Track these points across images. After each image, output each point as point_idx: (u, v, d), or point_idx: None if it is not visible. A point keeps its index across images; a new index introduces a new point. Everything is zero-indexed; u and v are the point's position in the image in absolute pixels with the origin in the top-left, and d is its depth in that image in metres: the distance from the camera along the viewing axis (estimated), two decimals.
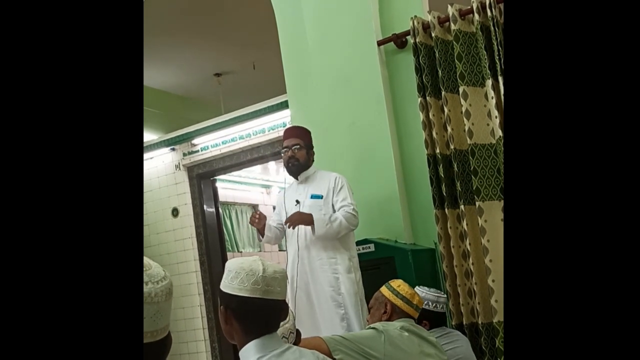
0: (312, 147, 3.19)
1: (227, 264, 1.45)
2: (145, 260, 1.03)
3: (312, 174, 3.17)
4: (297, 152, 3.12)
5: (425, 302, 2.49)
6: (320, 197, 3.05)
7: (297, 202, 3.11)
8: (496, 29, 3.15)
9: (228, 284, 1.41)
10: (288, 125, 4.29)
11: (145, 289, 0.98)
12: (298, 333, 1.83)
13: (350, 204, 3.00)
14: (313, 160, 3.20)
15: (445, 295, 2.64)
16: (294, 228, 3.02)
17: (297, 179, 3.18)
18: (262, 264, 1.41)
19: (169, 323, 1.05)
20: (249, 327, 1.40)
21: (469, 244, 3.20)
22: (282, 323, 1.75)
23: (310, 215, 2.97)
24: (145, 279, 0.99)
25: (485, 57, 3.19)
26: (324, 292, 2.96)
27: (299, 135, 3.17)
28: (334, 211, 3.03)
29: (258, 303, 1.39)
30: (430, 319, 2.49)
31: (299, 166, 3.13)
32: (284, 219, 3.13)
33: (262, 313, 1.40)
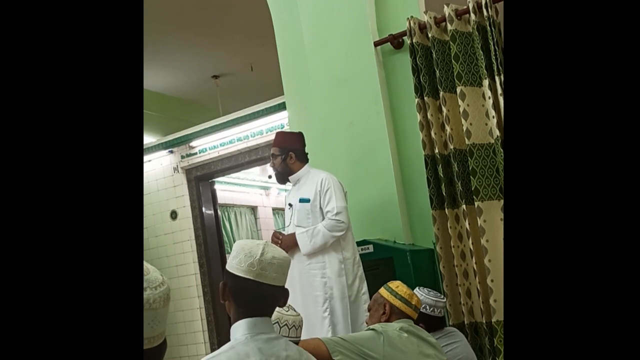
0: (290, 150, 3.13)
1: (235, 244, 1.49)
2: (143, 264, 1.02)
3: (304, 175, 3.14)
4: (274, 161, 3.16)
5: (423, 306, 2.49)
6: (308, 200, 3.03)
7: (290, 205, 3.12)
8: (492, 28, 3.15)
9: (229, 262, 1.46)
10: (285, 126, 4.31)
11: (144, 295, 0.97)
12: None
13: (334, 209, 2.95)
14: (301, 162, 3.16)
15: (444, 299, 2.62)
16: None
17: (285, 184, 3.23)
18: (263, 248, 1.44)
19: (165, 329, 1.04)
20: (241, 306, 1.44)
21: (472, 243, 3.19)
22: (294, 314, 1.82)
23: (294, 237, 3.00)
24: (144, 284, 0.98)
25: (482, 56, 3.19)
26: (311, 297, 2.94)
27: (275, 143, 3.20)
28: (323, 215, 3.01)
29: (250, 285, 1.42)
30: (428, 322, 2.46)
31: (278, 175, 3.18)
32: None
33: (253, 295, 1.43)
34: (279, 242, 3.06)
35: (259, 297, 1.44)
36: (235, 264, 1.44)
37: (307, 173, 3.14)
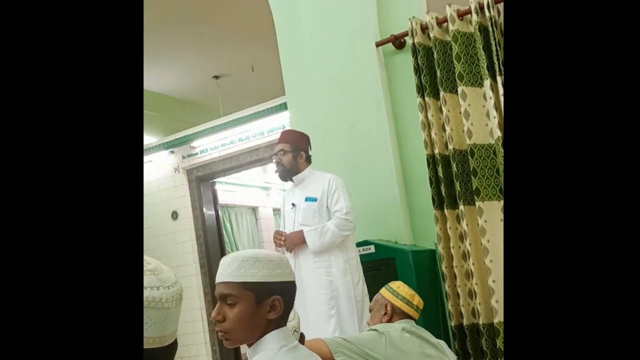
0: (301, 150, 3.17)
1: (257, 254, 1.42)
2: (156, 263, 1.03)
3: (308, 176, 3.16)
4: (282, 157, 3.15)
5: None
6: (314, 199, 3.06)
7: (293, 205, 3.12)
8: (494, 29, 3.15)
9: (275, 273, 1.40)
10: (286, 127, 4.31)
11: (157, 293, 0.97)
12: (302, 336, 1.83)
13: (343, 208, 2.99)
14: (307, 163, 3.19)
15: None
16: (291, 251, 3.07)
17: (291, 182, 3.20)
18: (273, 251, 1.45)
19: (177, 329, 1.04)
20: (287, 312, 1.43)
21: (469, 244, 3.19)
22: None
23: (301, 234, 3.00)
24: (157, 283, 0.98)
25: (484, 57, 3.19)
26: (317, 297, 2.95)
27: (285, 140, 3.19)
28: (329, 213, 3.03)
29: (294, 286, 1.46)
30: None
31: (284, 171, 3.16)
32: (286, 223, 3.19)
33: (294, 296, 1.47)
34: (282, 240, 3.06)
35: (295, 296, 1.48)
36: (280, 272, 1.41)
37: (311, 174, 3.18)
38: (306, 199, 3.08)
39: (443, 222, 3.33)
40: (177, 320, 1.03)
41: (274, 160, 3.22)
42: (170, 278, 1.01)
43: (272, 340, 1.39)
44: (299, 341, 1.77)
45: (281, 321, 1.42)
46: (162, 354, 1.00)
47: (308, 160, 3.21)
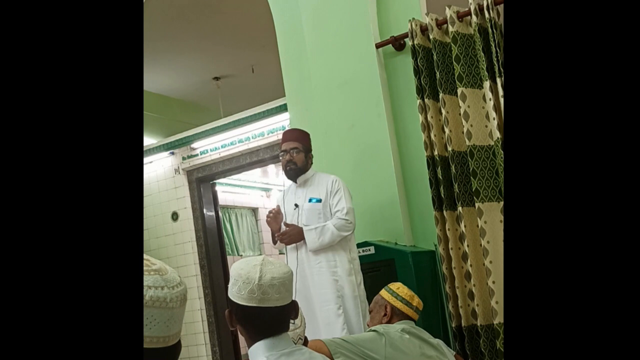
0: (310, 150, 3.18)
1: (232, 267, 1.44)
2: (161, 264, 1.03)
3: (311, 177, 3.16)
4: (295, 155, 3.11)
5: None
6: (319, 200, 3.06)
7: (296, 205, 3.11)
8: (494, 30, 3.16)
9: (230, 289, 1.41)
10: (287, 128, 4.30)
11: (161, 293, 0.98)
12: (305, 339, 1.83)
13: (344, 209, 3.00)
14: (312, 163, 3.20)
15: None
16: (287, 244, 3.06)
17: (295, 182, 3.18)
18: (260, 270, 1.38)
19: (181, 329, 1.05)
20: (252, 331, 1.41)
21: (467, 245, 3.20)
22: (292, 327, 1.74)
23: (300, 231, 3.00)
24: (162, 283, 0.99)
25: (483, 58, 3.20)
26: (324, 296, 2.95)
27: (297, 139, 3.16)
28: (332, 214, 3.03)
29: (255, 311, 1.38)
30: None
31: (296, 170, 3.13)
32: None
33: (260, 320, 1.39)
34: (286, 232, 3.03)
35: (267, 320, 1.39)
36: (235, 292, 1.39)
37: (313, 175, 3.17)
38: (310, 200, 3.08)
39: (443, 223, 3.33)
40: (181, 321, 1.03)
41: (282, 158, 3.16)
42: (174, 279, 1.02)
43: (255, 353, 1.39)
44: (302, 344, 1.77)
45: (261, 333, 1.39)
46: (166, 354, 1.00)
47: (312, 161, 3.22)
